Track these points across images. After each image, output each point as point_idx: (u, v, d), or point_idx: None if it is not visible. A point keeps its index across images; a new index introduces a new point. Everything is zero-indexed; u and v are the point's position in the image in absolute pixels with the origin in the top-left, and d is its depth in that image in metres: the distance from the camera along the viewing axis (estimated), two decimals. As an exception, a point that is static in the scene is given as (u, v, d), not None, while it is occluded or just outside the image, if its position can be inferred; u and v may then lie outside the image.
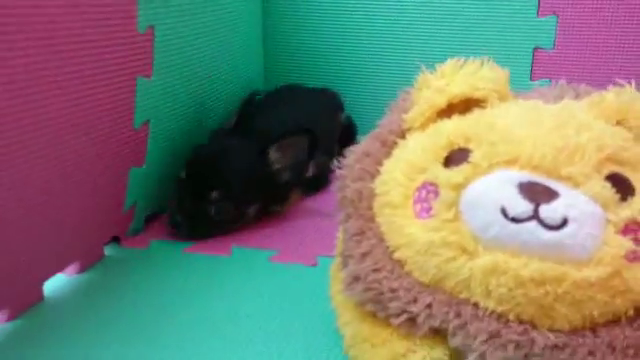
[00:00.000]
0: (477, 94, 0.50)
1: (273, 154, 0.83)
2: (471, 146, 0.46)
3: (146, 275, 0.70)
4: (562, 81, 0.58)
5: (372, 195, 0.51)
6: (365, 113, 1.16)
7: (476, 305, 0.45)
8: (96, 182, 0.67)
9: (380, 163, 0.52)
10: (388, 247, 0.49)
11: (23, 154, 0.54)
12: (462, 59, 0.52)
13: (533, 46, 1.11)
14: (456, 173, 0.45)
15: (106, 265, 0.72)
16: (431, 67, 0.50)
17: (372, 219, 0.50)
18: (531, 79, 1.12)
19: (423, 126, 0.51)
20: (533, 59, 1.11)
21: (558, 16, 1.07)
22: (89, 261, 0.71)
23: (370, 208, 0.51)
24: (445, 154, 0.47)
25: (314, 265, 0.72)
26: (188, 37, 0.82)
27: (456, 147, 0.47)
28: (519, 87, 1.08)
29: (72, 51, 0.58)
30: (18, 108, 0.52)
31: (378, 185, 0.50)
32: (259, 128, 0.88)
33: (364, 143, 0.54)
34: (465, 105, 0.51)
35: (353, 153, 0.54)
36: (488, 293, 0.43)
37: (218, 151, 0.83)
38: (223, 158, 0.81)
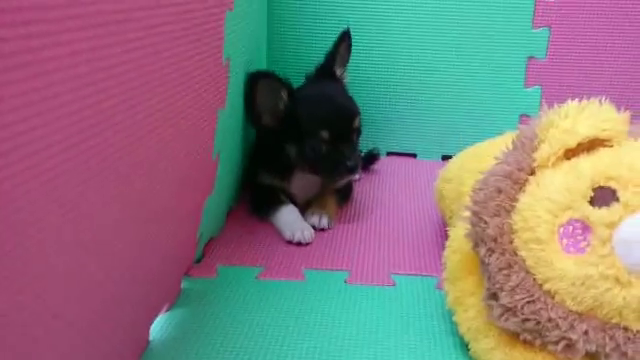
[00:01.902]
0: (603, 135, 0.55)
1: (338, 70, 0.92)
2: (612, 184, 0.51)
3: (231, 307, 0.69)
4: None
5: (511, 230, 0.55)
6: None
7: (626, 329, 0.51)
8: (178, 215, 0.66)
9: (513, 199, 0.56)
10: (535, 279, 0.53)
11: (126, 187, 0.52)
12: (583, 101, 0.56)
13: (527, 55, 1.18)
14: (610, 212, 0.50)
15: (186, 299, 0.71)
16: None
17: (514, 253, 0.54)
18: (525, 86, 1.20)
19: (554, 164, 0.55)
20: (527, 67, 1.19)
21: (551, 28, 1.15)
22: (174, 297, 0.70)
23: (510, 242, 0.55)
24: (591, 193, 0.52)
25: (393, 285, 0.75)
26: (247, 66, 0.82)
27: (597, 186, 0.52)
28: (514, 93, 1.17)
29: (167, 83, 0.54)
30: (112, 137, 0.44)
31: (517, 221, 0.54)
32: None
33: (492, 180, 0.57)
34: (590, 143, 0.55)
35: (482, 190, 0.57)
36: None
37: (338, 96, 0.89)
38: (343, 97, 0.90)
